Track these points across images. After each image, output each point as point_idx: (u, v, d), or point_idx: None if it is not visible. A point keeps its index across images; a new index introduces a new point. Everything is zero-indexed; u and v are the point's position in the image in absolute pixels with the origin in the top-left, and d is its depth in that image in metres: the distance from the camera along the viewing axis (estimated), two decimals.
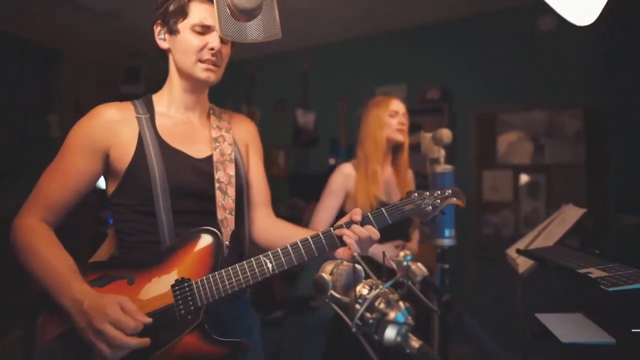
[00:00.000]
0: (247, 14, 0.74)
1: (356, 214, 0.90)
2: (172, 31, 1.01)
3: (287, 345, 2.59)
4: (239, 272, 0.90)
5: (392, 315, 0.53)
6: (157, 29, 1.04)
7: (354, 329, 0.55)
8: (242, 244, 1.09)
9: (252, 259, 0.90)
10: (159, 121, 1.03)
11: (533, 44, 3.14)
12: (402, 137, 1.67)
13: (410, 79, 3.64)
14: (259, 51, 4.25)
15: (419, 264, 0.55)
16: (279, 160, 4.29)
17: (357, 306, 0.55)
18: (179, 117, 1.07)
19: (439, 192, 0.93)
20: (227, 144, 1.09)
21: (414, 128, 2.00)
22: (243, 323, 1.07)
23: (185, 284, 0.90)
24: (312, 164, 4.14)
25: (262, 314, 2.49)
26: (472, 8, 3.28)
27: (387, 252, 1.55)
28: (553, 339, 1.02)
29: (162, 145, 1.00)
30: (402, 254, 0.57)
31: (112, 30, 3.71)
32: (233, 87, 4.59)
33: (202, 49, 0.99)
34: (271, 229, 1.14)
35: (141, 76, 4.34)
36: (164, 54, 1.07)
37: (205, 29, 0.99)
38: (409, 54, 3.66)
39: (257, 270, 0.89)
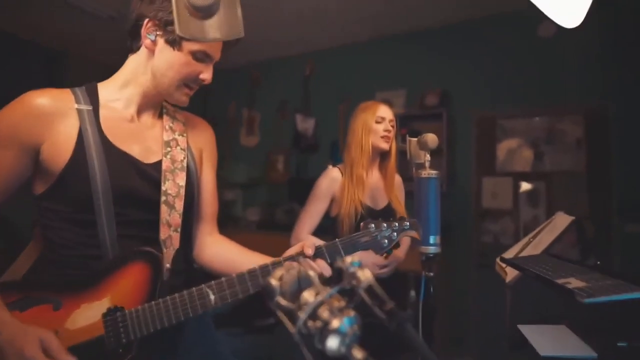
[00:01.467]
0: (204, 11, 0.72)
1: (308, 247, 0.84)
2: (173, 44, 0.88)
3: (279, 352, 2.55)
4: (178, 304, 0.81)
5: (335, 324, 0.50)
6: (147, 25, 0.88)
7: (295, 337, 0.52)
8: (188, 265, 0.99)
9: (193, 289, 0.82)
10: (103, 116, 0.89)
11: (534, 49, 3.10)
12: (386, 146, 1.64)
13: (410, 83, 3.62)
14: (261, 55, 4.26)
15: (365, 271, 0.52)
16: (278, 164, 4.28)
17: (301, 313, 0.52)
18: (127, 113, 0.93)
19: (396, 224, 0.89)
20: (180, 149, 0.96)
21: (412, 134, 1.97)
22: (198, 343, 0.98)
23: (118, 313, 0.81)
24: (311, 169, 4.12)
25: (252, 320, 2.46)
26: (473, 12, 3.25)
27: (370, 260, 1.52)
28: (532, 352, 0.99)
29: (106, 144, 0.86)
30: (349, 259, 0.54)
31: (117, 33, 3.73)
32: (235, 91, 4.61)
33: (193, 76, 0.91)
34: (213, 247, 1.03)
35: None
36: (136, 39, 0.91)
37: (205, 58, 0.90)
38: (409, 59, 3.64)
39: (197, 302, 0.81)
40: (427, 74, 3.54)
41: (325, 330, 0.51)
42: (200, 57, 0.89)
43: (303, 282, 0.59)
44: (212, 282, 0.83)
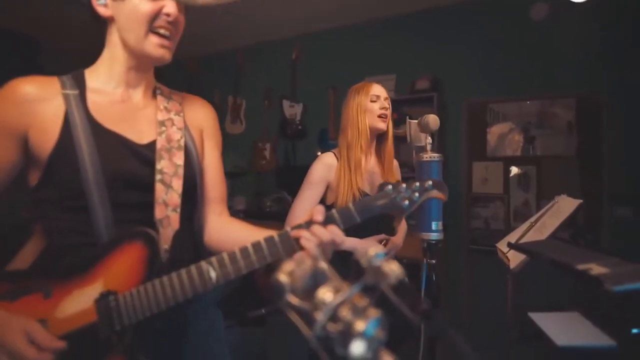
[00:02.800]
0: None
1: (317, 213, 0.77)
2: None
3: (272, 343, 2.50)
4: (175, 284, 0.75)
5: (359, 326, 0.43)
6: None
7: (313, 342, 0.45)
8: (189, 248, 0.93)
9: (192, 266, 0.76)
10: (91, 98, 0.86)
11: (525, 33, 3.06)
12: (383, 126, 1.57)
13: (400, 68, 3.54)
14: (246, 39, 4.11)
15: (394, 264, 0.45)
16: (265, 152, 4.18)
17: (318, 314, 0.45)
18: (117, 94, 0.89)
19: (417, 183, 0.80)
20: (176, 129, 0.91)
21: (403, 118, 1.90)
22: (195, 328, 0.92)
23: (111, 297, 0.76)
24: (299, 156, 4.03)
25: (244, 311, 2.39)
26: None
27: (368, 247, 1.46)
28: (547, 341, 0.94)
29: (95, 126, 0.83)
30: (372, 251, 0.47)
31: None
32: (219, 78, 4.46)
33: (155, 15, 0.83)
34: (222, 229, 0.98)
35: None
36: (102, 23, 0.88)
37: None
38: (399, 43, 3.56)
39: (197, 280, 0.75)
40: (416, 59, 3.47)
41: (348, 334, 0.44)
42: None
43: (318, 278, 0.52)
44: (212, 257, 0.76)
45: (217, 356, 0.96)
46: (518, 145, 3.15)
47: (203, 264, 0.76)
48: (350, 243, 1.47)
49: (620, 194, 2.79)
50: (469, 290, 3.16)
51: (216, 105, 4.43)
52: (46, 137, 0.81)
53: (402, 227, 1.68)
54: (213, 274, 0.75)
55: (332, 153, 1.58)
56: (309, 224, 0.77)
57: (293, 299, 0.51)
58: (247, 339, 2.38)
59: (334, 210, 0.78)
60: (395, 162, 1.70)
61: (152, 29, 0.84)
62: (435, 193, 0.79)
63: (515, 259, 1.29)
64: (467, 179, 3.28)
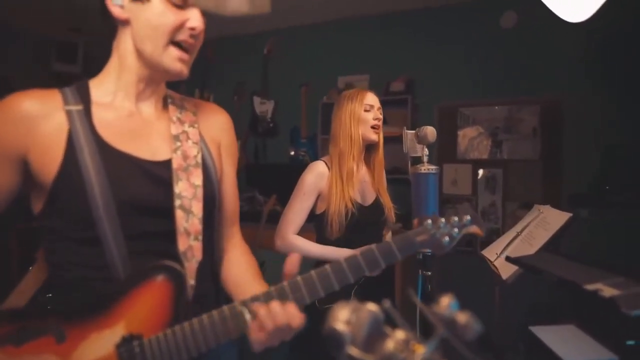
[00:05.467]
0: None
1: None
2: None
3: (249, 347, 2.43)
4: (207, 327, 0.67)
5: None
6: None
7: None
8: (210, 280, 0.85)
9: (224, 307, 0.68)
10: (97, 114, 0.76)
11: (495, 40, 3.16)
12: (376, 137, 1.55)
13: (373, 69, 3.55)
14: (217, 32, 3.95)
15: (469, 316, 0.43)
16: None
17: None
18: (125, 108, 0.80)
19: (456, 218, 0.75)
20: (192, 143, 0.82)
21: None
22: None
23: (135, 342, 0.67)
24: (270, 154, 3.95)
25: None
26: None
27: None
28: (549, 355, 0.96)
29: (102, 146, 0.74)
30: (445, 301, 0.44)
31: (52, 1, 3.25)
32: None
33: (178, 27, 0.74)
34: (229, 264, 0.90)
35: (78, 55, 3.88)
36: (113, 26, 0.78)
37: (184, 3, 0.75)
38: (373, 43, 3.56)
39: (231, 324, 0.67)
40: (390, 61, 3.49)
41: None
42: (177, 2, 0.74)
43: (374, 324, 0.49)
44: (247, 298, 0.69)
45: None
46: (486, 149, 3.26)
47: (237, 304, 0.68)
48: (326, 251, 1.45)
49: (578, 195, 2.97)
50: (441, 289, 3.26)
51: None
52: (48, 160, 0.72)
53: (388, 237, 1.68)
54: (248, 317, 0.67)
55: (323, 162, 1.54)
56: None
57: (354, 351, 0.47)
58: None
59: (374, 246, 0.71)
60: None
61: (172, 41, 0.76)
62: (474, 229, 0.77)
63: (506, 269, 1.33)
64: (438, 180, 3.36)
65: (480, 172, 3.27)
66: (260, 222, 3.06)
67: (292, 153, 3.69)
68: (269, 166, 3.89)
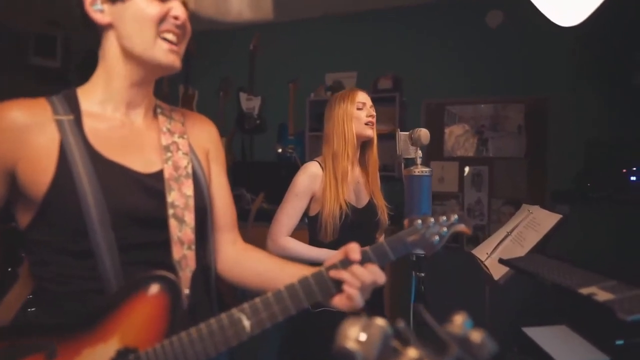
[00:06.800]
0: None
1: (354, 251, 0.72)
2: None
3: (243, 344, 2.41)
4: (206, 336, 0.66)
5: None
6: None
7: None
8: (203, 289, 0.85)
9: (222, 315, 0.68)
10: (88, 124, 0.75)
11: (481, 37, 3.18)
12: (371, 132, 1.55)
13: (361, 66, 3.55)
14: (200, 25, 3.87)
15: (483, 335, 0.43)
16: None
17: None
18: (116, 118, 0.79)
19: (444, 217, 0.77)
20: (182, 154, 0.83)
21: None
22: None
23: (131, 356, 0.65)
24: (257, 151, 3.92)
25: None
26: None
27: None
28: (543, 356, 0.98)
29: (95, 157, 0.73)
30: (459, 319, 0.44)
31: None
32: None
33: (163, 17, 0.75)
34: (241, 261, 0.91)
35: (57, 49, 3.76)
36: (97, 32, 0.78)
37: None
38: (360, 40, 3.55)
39: (229, 332, 0.66)
40: (378, 58, 3.49)
41: None
42: None
43: (385, 343, 0.48)
44: (245, 304, 0.69)
45: None
46: (472, 146, 3.30)
47: (234, 311, 0.68)
48: (320, 254, 1.44)
49: (559, 192, 3.04)
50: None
51: (164, 95, 4.17)
52: (40, 172, 0.70)
53: (382, 239, 1.68)
54: (247, 323, 0.67)
55: (316, 162, 1.53)
56: (344, 264, 0.72)
57: None
58: None
59: (369, 248, 0.74)
60: None
61: (160, 32, 0.76)
62: (462, 227, 0.78)
63: (498, 270, 1.35)
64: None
65: (467, 169, 3.31)
66: (247, 221, 3.04)
67: (280, 150, 3.66)
68: (256, 164, 3.85)
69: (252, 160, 3.90)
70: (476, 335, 0.43)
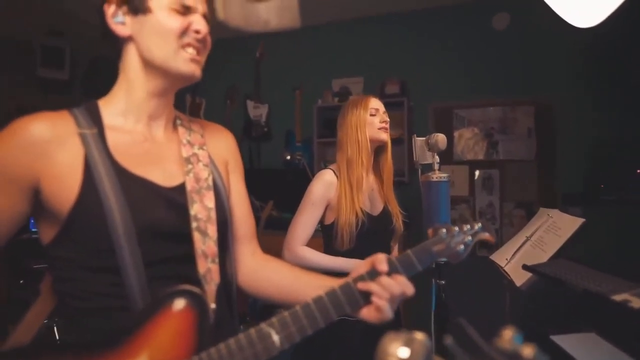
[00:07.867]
0: None
1: (381, 262, 0.70)
2: (139, 10, 0.74)
3: None
4: (235, 352, 0.64)
5: None
6: (109, 10, 0.76)
7: None
8: (229, 301, 0.84)
9: (251, 330, 0.66)
10: (111, 138, 0.75)
11: (488, 40, 3.17)
12: (385, 136, 1.53)
13: (367, 71, 3.54)
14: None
15: (534, 349, 0.41)
16: None
17: None
18: (137, 131, 0.79)
19: (468, 226, 0.77)
20: (202, 165, 0.82)
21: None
22: None
23: None
24: (265, 159, 3.91)
25: None
26: (432, 1, 3.23)
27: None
28: None
29: (120, 171, 0.72)
30: (508, 334, 0.42)
31: (30, 3, 3.16)
32: None
33: (184, 31, 0.75)
34: (260, 271, 0.89)
35: (65, 59, 3.78)
36: (117, 44, 0.79)
37: (186, 10, 0.75)
38: (366, 45, 3.55)
39: (258, 347, 0.64)
40: (385, 62, 3.48)
41: None
42: (179, 9, 0.75)
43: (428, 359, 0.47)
44: (273, 318, 0.67)
45: None
46: (482, 150, 3.28)
47: (263, 326, 0.66)
48: (336, 263, 1.42)
49: (570, 194, 3.00)
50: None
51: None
52: (65, 187, 0.68)
53: (396, 249, 1.66)
54: (276, 338, 0.65)
55: (331, 170, 1.52)
56: (372, 275, 0.71)
57: None
58: None
59: (395, 259, 0.72)
60: None
61: (182, 45, 0.76)
62: (487, 235, 0.77)
63: (519, 275, 1.32)
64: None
65: (477, 173, 3.28)
66: (257, 229, 3.02)
67: (288, 157, 3.65)
68: (265, 171, 3.85)
69: (260, 167, 3.90)
70: (528, 351, 0.41)
